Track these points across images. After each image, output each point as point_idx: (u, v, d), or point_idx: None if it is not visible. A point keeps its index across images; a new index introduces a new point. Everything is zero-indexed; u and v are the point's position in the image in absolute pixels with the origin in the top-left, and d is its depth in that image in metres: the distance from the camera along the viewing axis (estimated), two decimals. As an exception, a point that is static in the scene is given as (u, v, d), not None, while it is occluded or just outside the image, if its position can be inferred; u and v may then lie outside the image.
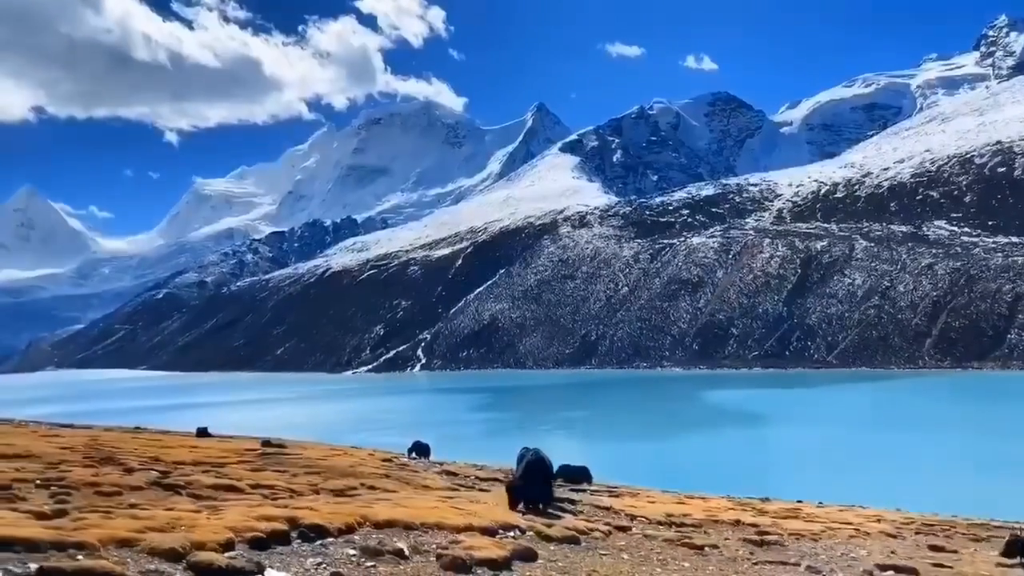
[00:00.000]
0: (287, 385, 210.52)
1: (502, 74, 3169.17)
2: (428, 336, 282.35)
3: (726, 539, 12.09)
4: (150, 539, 6.69)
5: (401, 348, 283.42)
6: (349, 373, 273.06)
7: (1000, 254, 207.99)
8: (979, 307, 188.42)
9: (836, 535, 13.89)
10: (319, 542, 8.18)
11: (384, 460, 22.07)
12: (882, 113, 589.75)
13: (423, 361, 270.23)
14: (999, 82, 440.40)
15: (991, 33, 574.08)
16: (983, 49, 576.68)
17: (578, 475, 24.25)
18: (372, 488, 14.39)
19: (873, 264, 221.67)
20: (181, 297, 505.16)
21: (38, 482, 11.37)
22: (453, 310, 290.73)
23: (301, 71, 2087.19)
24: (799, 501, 24.79)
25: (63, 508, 8.71)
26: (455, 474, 20.62)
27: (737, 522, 14.69)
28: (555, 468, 26.62)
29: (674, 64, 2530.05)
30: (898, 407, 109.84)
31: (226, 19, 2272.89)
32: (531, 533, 10.51)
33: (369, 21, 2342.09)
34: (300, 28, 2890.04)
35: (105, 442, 18.87)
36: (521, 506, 13.05)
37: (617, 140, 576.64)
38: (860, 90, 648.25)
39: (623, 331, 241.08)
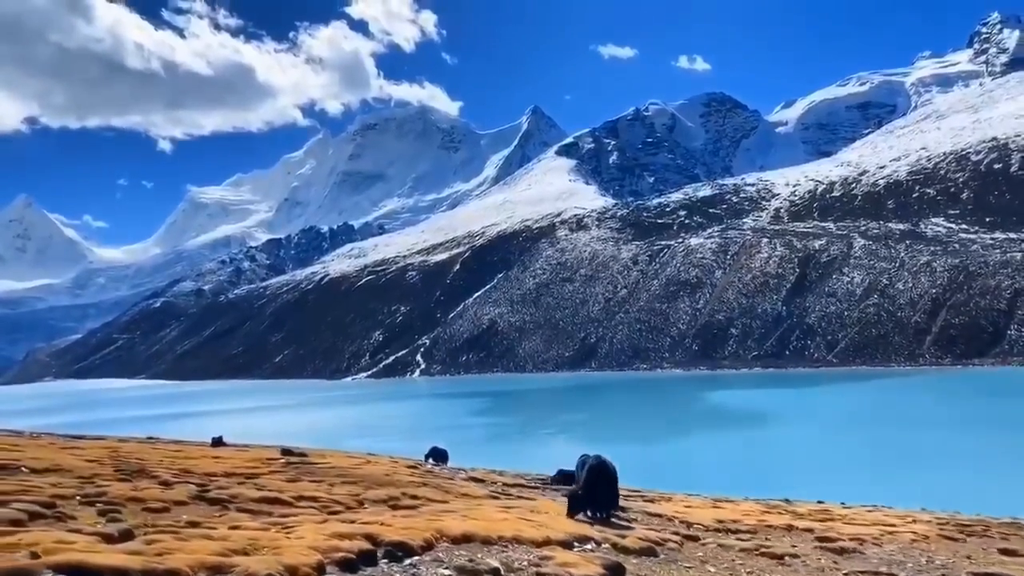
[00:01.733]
0: (287, 392, 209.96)
1: (495, 77, 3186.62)
2: (427, 341, 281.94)
3: (794, 546, 11.64)
4: (242, 564, 6.39)
5: (400, 353, 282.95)
6: (348, 379, 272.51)
7: (998, 250, 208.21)
8: (978, 303, 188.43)
9: (896, 539, 13.51)
10: (407, 561, 7.86)
11: (409, 467, 21.75)
12: (877, 112, 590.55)
13: (422, 366, 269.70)
14: (993, 79, 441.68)
15: (984, 30, 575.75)
16: (976, 46, 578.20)
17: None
18: (415, 498, 14.06)
19: (871, 262, 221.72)
20: (179, 305, 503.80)
21: (79, 498, 10.98)
22: (452, 315, 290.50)
23: (294, 77, 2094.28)
24: (820, 502, 24.49)
25: (127, 529, 8.35)
26: (482, 480, 20.27)
27: (790, 527, 14.27)
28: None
29: (667, 65, 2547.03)
30: (900, 405, 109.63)
31: (217, 27, 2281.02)
32: (607, 545, 10.13)
33: (360, 26, 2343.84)
34: (291, 35, 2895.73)
35: (128, 454, 18.49)
36: (583, 515, 12.52)
37: (613, 142, 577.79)
38: (854, 89, 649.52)
39: (622, 333, 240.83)
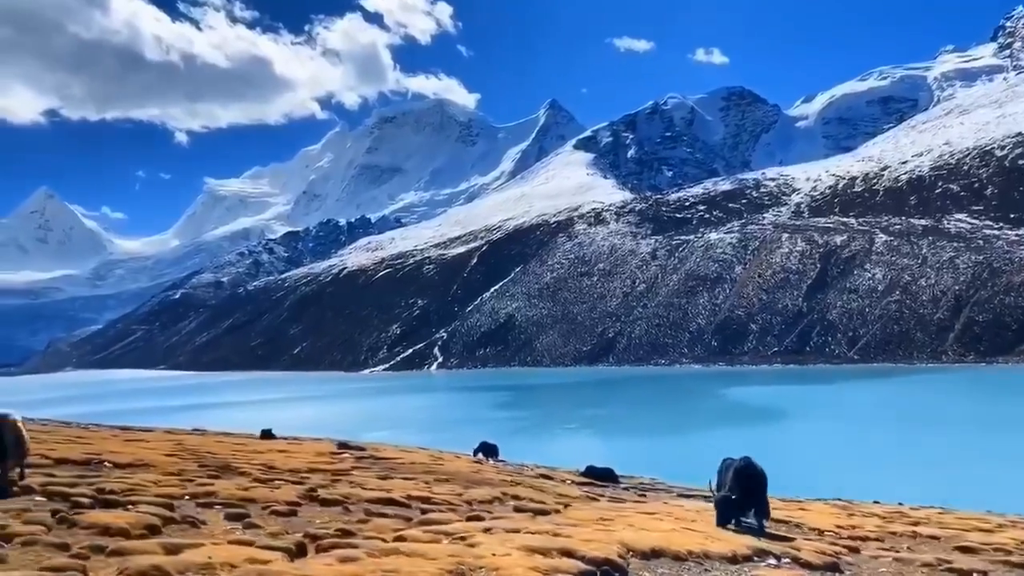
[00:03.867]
0: (307, 384, 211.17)
1: (511, 70, 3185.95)
2: (444, 334, 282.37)
3: (942, 558, 10.83)
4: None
5: (418, 347, 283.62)
6: (366, 372, 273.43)
7: (1023, 246, 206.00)
8: (1003, 300, 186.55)
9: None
10: None
11: (474, 462, 21.87)
12: (898, 106, 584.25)
13: (440, 359, 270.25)
14: (1017, 73, 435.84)
15: (1009, 24, 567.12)
16: (1001, 40, 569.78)
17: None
18: (517, 498, 13.81)
19: (893, 258, 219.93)
20: (198, 297, 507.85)
21: (187, 497, 10.82)
22: (469, 308, 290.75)
23: (311, 70, 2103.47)
24: (876, 502, 24.19)
25: (300, 541, 8.17)
26: (550, 478, 20.25)
27: (915, 534, 13.62)
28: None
29: (684, 58, 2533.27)
30: (926, 402, 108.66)
31: (233, 19, 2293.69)
32: (787, 560, 9.63)
33: (375, 18, 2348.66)
34: (307, 27, 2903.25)
35: (193, 446, 18.70)
36: (732, 524, 11.78)
37: (631, 136, 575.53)
38: (875, 83, 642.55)
39: (641, 328, 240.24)
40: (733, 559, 9.12)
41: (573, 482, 19.82)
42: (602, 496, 16.83)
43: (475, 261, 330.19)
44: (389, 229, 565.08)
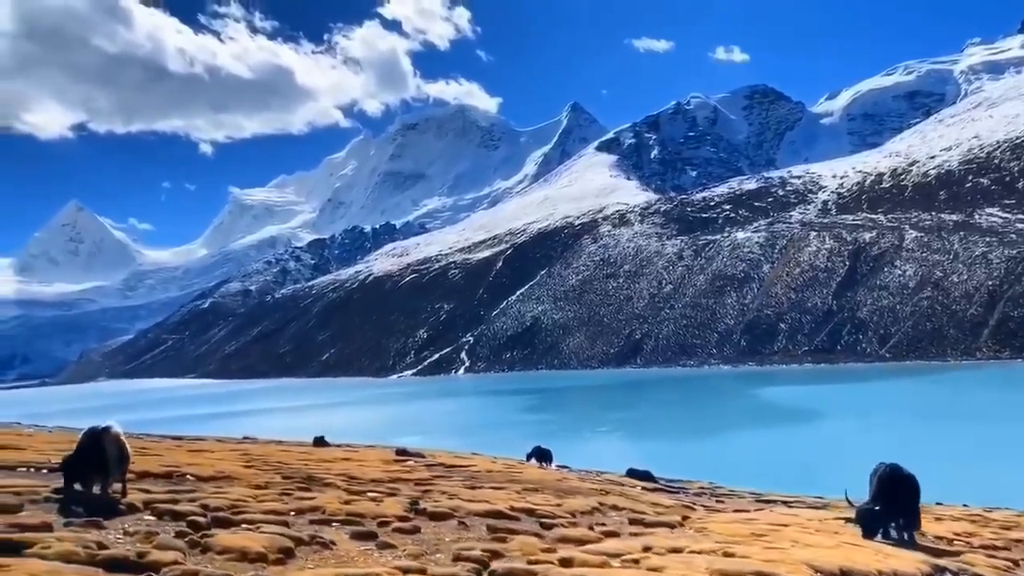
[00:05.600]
0: (336, 390, 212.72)
1: (531, 73, 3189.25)
2: (471, 338, 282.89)
3: None
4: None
5: (444, 351, 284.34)
6: (394, 377, 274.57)
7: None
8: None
9: None
10: None
11: (540, 467, 22.14)
12: (924, 101, 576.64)
13: (466, 364, 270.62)
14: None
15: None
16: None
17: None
18: (617, 508, 13.46)
19: (924, 254, 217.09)
20: (226, 306, 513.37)
21: (293, 513, 10.46)
22: (495, 312, 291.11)
23: (333, 78, 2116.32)
24: (939, 503, 23.71)
25: (475, 568, 7.79)
26: (620, 483, 20.47)
27: None
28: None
29: (704, 57, 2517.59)
30: (963, 400, 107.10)
31: (254, 30, 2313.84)
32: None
33: (394, 26, 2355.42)
34: (326, 36, 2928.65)
35: (260, 456, 19.15)
36: (879, 536, 11.32)
37: (654, 136, 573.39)
38: (901, 78, 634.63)
39: (668, 329, 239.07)
40: None
41: (643, 488, 20.01)
42: (694, 505, 16.43)
43: (500, 265, 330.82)
44: (414, 235, 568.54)
